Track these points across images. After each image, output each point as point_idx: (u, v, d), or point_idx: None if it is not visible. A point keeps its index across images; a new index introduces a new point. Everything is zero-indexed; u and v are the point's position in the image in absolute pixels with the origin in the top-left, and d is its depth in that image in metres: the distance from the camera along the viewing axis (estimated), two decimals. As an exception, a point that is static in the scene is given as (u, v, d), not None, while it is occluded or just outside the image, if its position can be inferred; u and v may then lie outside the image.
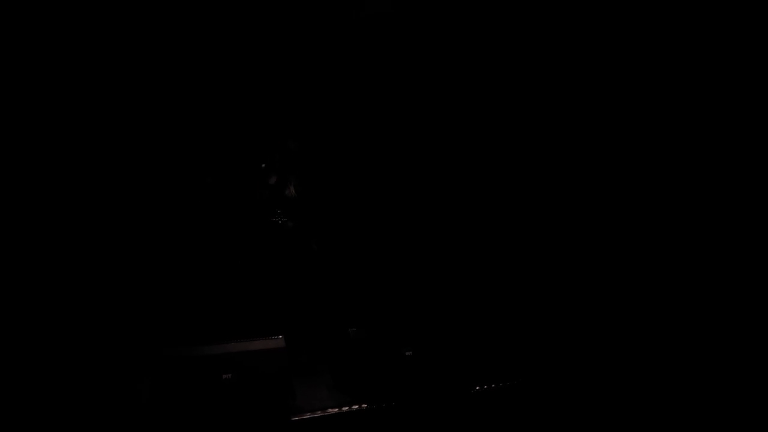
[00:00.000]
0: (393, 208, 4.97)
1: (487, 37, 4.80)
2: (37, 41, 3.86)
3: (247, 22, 4.53)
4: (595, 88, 4.38)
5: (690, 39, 3.84)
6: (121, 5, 4.11)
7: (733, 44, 3.66)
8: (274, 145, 4.26)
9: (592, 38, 4.35)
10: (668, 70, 3.97)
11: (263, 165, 4.25)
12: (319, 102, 4.85)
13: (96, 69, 4.10)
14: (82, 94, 4.06)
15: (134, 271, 4.16)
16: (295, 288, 4.16)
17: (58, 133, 3.97)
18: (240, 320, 4.13)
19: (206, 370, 3.00)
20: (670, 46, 3.95)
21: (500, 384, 3.43)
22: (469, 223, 4.95)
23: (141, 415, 3.06)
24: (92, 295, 3.95)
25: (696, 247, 3.75)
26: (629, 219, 4.15)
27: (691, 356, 3.53)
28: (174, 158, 4.40)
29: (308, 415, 3.11)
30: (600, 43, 4.31)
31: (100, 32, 4.07)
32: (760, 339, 3.37)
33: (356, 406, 3.20)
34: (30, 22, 3.82)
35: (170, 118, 4.39)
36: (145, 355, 3.63)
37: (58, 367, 3.50)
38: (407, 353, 3.37)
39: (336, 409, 3.17)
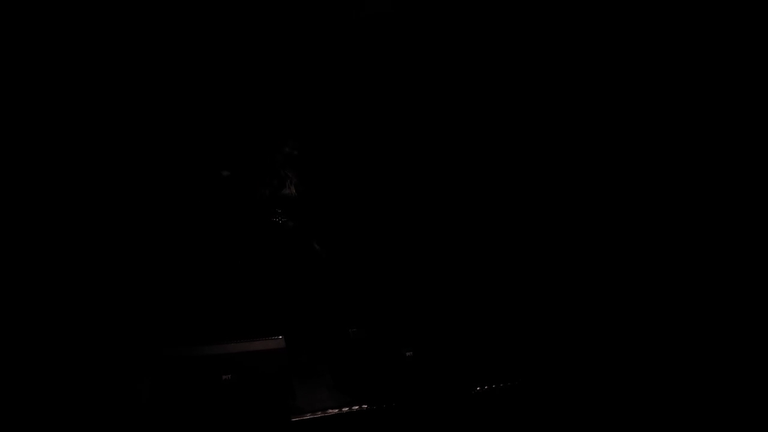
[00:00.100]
0: (393, 209, 4.97)
1: (487, 37, 4.81)
2: (39, 41, 3.86)
3: (247, 22, 4.53)
4: (595, 88, 4.38)
5: (690, 39, 3.85)
6: (124, 6, 4.11)
7: (733, 44, 3.67)
8: (275, 145, 4.25)
9: (592, 38, 4.35)
10: (668, 70, 3.98)
11: (263, 165, 4.25)
12: (320, 102, 4.85)
13: (96, 69, 4.11)
14: (82, 94, 4.07)
15: (134, 272, 4.17)
16: (295, 288, 4.15)
17: (57, 133, 3.97)
18: (240, 320, 4.12)
19: (206, 370, 3.00)
20: (670, 46, 3.95)
21: (501, 384, 3.43)
22: (469, 224, 4.95)
23: (141, 415, 3.06)
24: (92, 295, 3.96)
25: (696, 247, 3.76)
26: (629, 219, 4.15)
27: (691, 356, 3.54)
28: (174, 158, 4.40)
29: (308, 416, 3.11)
30: (600, 43, 4.31)
31: (101, 32, 4.08)
32: (760, 339, 3.37)
33: (356, 407, 3.20)
34: (34, 22, 3.82)
35: (170, 118, 4.40)
36: (145, 355, 3.63)
37: (58, 367, 3.50)
38: (407, 353, 3.36)
39: (336, 410, 3.17)
